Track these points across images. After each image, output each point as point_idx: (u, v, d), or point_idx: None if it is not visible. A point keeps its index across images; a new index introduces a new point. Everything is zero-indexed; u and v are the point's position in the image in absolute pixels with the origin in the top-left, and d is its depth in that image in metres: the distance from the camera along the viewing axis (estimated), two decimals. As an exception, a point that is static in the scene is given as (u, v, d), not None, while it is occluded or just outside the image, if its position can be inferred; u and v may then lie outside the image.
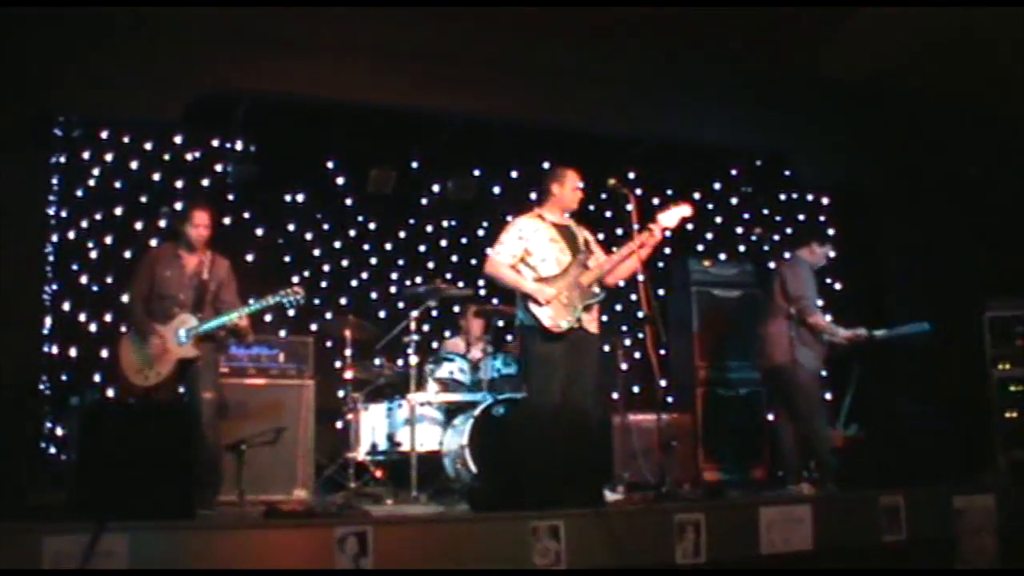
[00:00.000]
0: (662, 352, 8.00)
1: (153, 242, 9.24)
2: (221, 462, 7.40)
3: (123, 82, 8.36)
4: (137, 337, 7.25)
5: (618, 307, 11.12)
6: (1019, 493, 7.33)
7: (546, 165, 10.74)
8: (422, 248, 10.95)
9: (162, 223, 9.27)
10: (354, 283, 10.64)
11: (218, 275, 7.57)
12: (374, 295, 10.65)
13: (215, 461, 7.25)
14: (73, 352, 9.30)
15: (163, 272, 7.42)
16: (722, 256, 11.33)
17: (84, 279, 9.46)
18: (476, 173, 10.89)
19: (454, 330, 10.10)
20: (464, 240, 11.06)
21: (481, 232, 11.10)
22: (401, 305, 9.87)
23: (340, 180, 10.60)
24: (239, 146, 10.04)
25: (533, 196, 10.65)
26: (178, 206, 9.50)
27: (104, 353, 9.07)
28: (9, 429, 7.79)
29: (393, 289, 10.63)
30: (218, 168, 10.05)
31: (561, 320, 6.97)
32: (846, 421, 9.03)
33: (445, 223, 11.08)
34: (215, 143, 10.07)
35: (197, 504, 6.07)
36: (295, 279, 9.97)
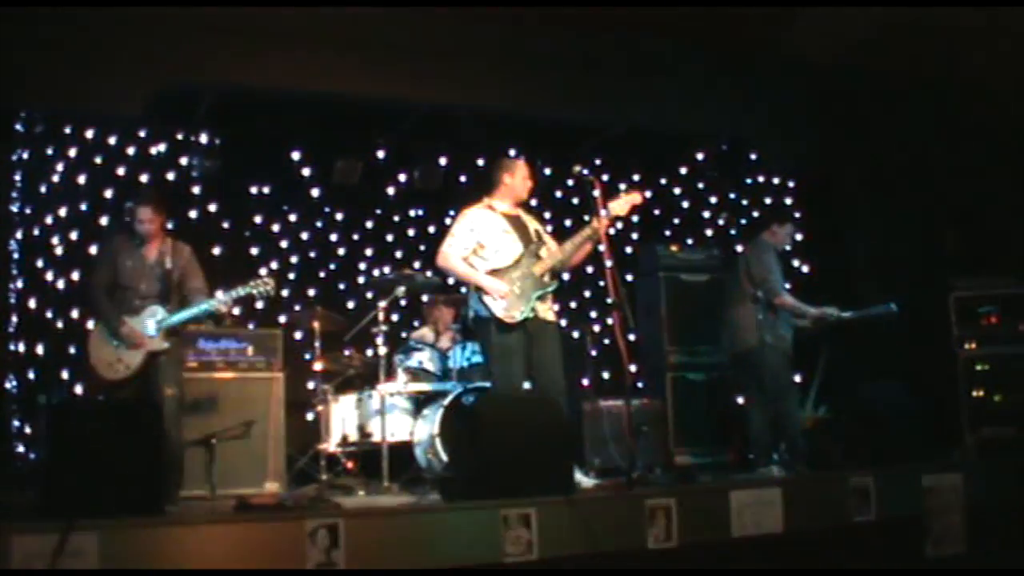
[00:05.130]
0: (631, 338, 8.02)
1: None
2: (183, 458, 7.36)
3: (85, 76, 8.31)
4: (106, 330, 7.18)
5: (587, 293, 11.16)
6: (986, 471, 7.38)
7: (512, 152, 10.79)
8: (389, 238, 10.93)
9: (128, 218, 9.25)
10: (322, 274, 10.60)
11: (180, 262, 7.42)
12: (342, 286, 10.62)
13: (177, 457, 7.18)
14: (40, 350, 9.23)
15: (124, 262, 7.30)
16: (689, 241, 11.37)
17: (50, 276, 9.39)
18: (442, 162, 10.87)
19: (422, 320, 10.09)
20: (431, 229, 11.02)
21: (448, 221, 11.07)
22: (369, 295, 9.85)
23: (306, 171, 10.56)
24: (204, 139, 9.99)
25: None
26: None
27: (72, 350, 9.01)
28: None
29: (361, 279, 10.60)
30: (183, 161, 10.00)
31: (515, 311, 7.08)
32: (815, 403, 9.08)
33: (412, 212, 11.06)
34: (179, 136, 10.02)
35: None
36: (263, 271, 9.95)
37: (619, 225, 10.23)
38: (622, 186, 11.29)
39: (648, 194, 11.41)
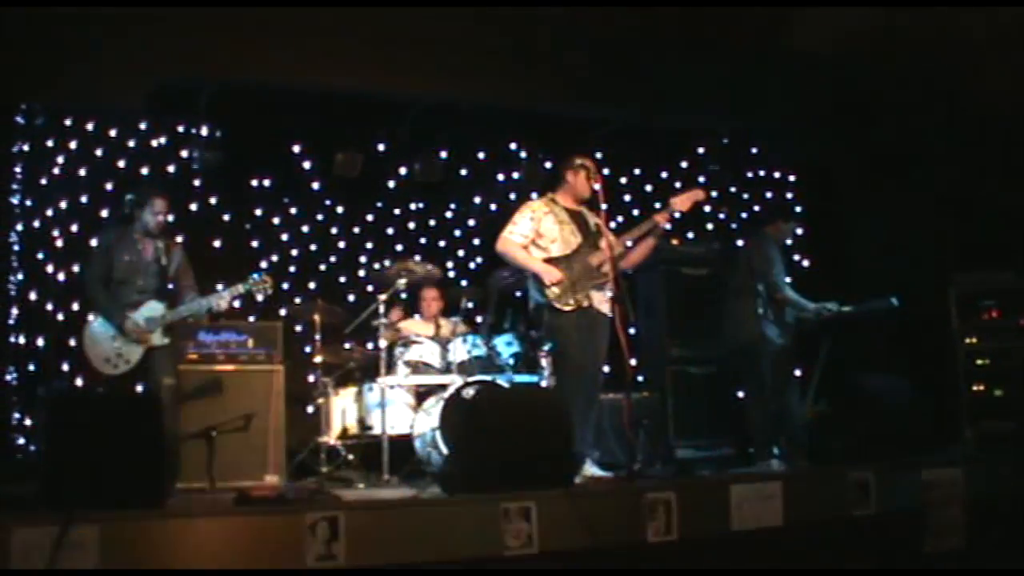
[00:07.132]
0: (631, 331, 8.01)
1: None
2: (179, 449, 7.37)
3: (86, 69, 8.31)
4: (106, 324, 7.20)
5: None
6: (986, 465, 7.38)
7: (512, 146, 10.81)
8: (390, 231, 10.93)
9: (134, 208, 9.24)
10: (322, 267, 10.60)
11: (176, 261, 7.54)
12: (343, 279, 10.63)
13: (174, 448, 7.18)
14: (40, 342, 9.23)
15: (121, 256, 7.35)
16: (690, 234, 11.36)
17: (50, 268, 9.39)
18: (443, 155, 10.86)
19: (421, 313, 10.05)
20: (432, 222, 11.04)
21: (449, 214, 11.10)
22: (370, 288, 9.84)
23: (307, 164, 10.55)
24: (204, 132, 9.97)
25: (500, 177, 10.78)
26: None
27: (72, 342, 9.00)
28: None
29: (362, 272, 10.60)
30: (184, 154, 9.98)
31: (569, 298, 7.19)
32: (815, 397, 9.07)
33: (413, 205, 11.05)
34: (180, 129, 10.01)
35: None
36: (263, 264, 9.97)
37: (619, 219, 10.24)
38: (623, 180, 11.32)
39: (649, 188, 11.53)
